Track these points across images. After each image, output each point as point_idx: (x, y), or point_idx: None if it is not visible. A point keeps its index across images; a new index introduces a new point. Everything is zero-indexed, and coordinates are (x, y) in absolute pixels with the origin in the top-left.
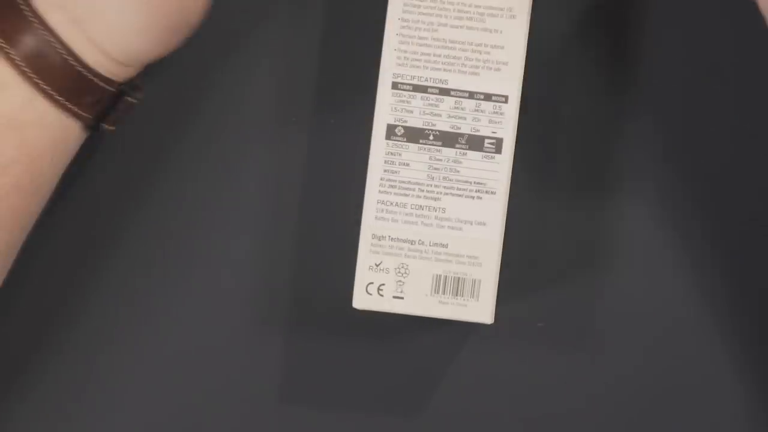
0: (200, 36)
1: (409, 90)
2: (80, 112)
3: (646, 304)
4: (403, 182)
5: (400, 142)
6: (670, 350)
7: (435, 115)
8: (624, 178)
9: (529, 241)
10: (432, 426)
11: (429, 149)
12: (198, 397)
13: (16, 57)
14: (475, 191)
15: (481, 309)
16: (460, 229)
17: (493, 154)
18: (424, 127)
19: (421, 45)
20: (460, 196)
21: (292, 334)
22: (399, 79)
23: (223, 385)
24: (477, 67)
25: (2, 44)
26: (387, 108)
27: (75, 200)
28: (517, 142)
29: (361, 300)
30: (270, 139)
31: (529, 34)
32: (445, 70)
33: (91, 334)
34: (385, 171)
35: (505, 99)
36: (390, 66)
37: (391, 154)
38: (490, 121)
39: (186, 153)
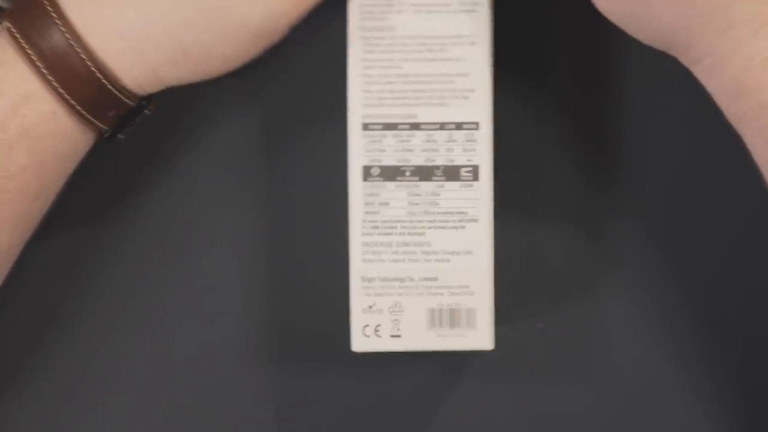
0: None
1: (379, 129)
2: (100, 124)
3: (649, 304)
4: (386, 222)
5: (377, 182)
6: (669, 355)
7: (408, 150)
8: (626, 174)
9: (530, 240)
10: (429, 425)
11: (407, 185)
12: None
13: (41, 65)
14: (458, 221)
15: (479, 337)
16: (448, 260)
17: (471, 182)
18: (399, 164)
19: (386, 83)
20: (443, 228)
21: (283, 372)
22: (369, 120)
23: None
24: (444, 97)
25: (29, 51)
26: (360, 150)
27: (73, 207)
28: (505, 164)
29: (359, 343)
30: (250, 182)
31: (496, 57)
32: (413, 104)
33: (75, 367)
34: (366, 213)
35: (477, 126)
36: (358, 108)
37: (370, 195)
38: (464, 150)
39: (180, 183)
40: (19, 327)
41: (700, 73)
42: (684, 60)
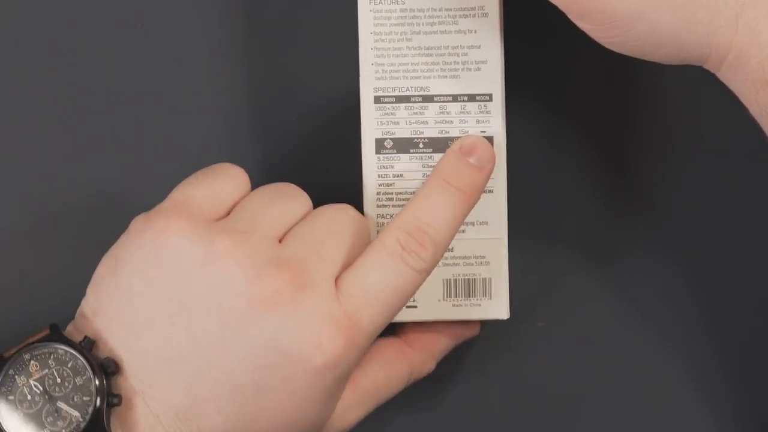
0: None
1: (392, 102)
2: None
3: (648, 304)
4: (400, 193)
5: (390, 155)
6: (671, 351)
7: (422, 122)
8: (627, 175)
9: (530, 239)
10: (431, 425)
11: (421, 157)
12: None
13: None
14: None
15: (495, 306)
16: (463, 231)
17: None
18: (413, 136)
19: (397, 56)
20: None
21: None
22: (381, 93)
23: None
24: (456, 69)
25: None
26: (373, 123)
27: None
28: (516, 138)
29: None
30: (265, 157)
31: (505, 29)
32: (425, 77)
33: None
34: (380, 185)
35: (489, 97)
36: (369, 81)
37: (384, 167)
38: (478, 121)
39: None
40: None
41: (726, 73)
42: (710, 66)
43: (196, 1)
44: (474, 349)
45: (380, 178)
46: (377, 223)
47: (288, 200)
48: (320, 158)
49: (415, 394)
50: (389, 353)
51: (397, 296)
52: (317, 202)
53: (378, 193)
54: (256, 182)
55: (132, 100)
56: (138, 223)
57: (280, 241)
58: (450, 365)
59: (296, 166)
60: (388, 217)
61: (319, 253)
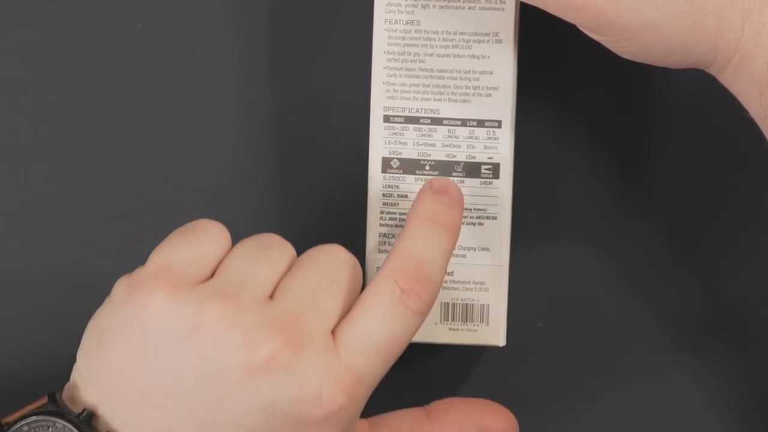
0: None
1: (401, 122)
2: None
3: (650, 304)
4: (403, 214)
5: (396, 175)
6: (672, 351)
7: (429, 145)
8: (631, 178)
9: (531, 239)
10: None
11: (426, 179)
12: None
13: None
14: (476, 217)
15: (492, 333)
16: (464, 256)
17: (490, 180)
18: (420, 157)
19: (409, 76)
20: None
21: None
22: (390, 112)
23: None
24: (467, 94)
25: None
26: (380, 141)
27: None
28: (519, 162)
29: None
30: (270, 170)
31: (520, 57)
32: (435, 99)
33: None
34: (384, 204)
35: (499, 124)
36: (380, 99)
37: (389, 187)
38: (485, 147)
39: (182, 172)
40: None
41: (729, 76)
42: (714, 69)
43: (197, 2)
44: (474, 349)
45: (385, 197)
46: (379, 241)
47: (273, 253)
48: (326, 175)
49: (415, 396)
50: (404, 425)
51: (398, 344)
52: (322, 217)
53: (381, 212)
54: (261, 197)
55: (132, 101)
56: (120, 291)
57: (271, 297)
58: (450, 366)
59: (301, 179)
60: (390, 236)
61: (314, 306)
